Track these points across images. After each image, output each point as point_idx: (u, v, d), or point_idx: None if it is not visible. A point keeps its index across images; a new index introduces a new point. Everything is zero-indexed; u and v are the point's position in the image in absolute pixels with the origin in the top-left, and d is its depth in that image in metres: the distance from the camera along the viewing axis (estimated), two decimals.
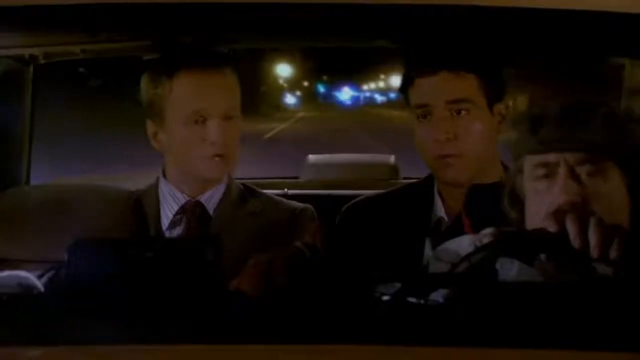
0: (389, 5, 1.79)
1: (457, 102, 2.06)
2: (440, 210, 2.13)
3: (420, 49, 2.15)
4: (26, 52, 2.46)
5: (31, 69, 2.56)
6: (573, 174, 1.57)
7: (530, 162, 1.63)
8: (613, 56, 2.51)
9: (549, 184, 1.59)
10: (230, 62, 2.17)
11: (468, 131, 2.06)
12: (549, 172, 1.59)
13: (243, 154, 2.18)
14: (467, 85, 2.06)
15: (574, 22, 1.83)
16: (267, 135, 21.53)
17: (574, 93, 1.70)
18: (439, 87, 2.07)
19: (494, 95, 2.09)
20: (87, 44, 2.38)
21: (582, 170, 1.57)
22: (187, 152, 2.13)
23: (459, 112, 2.06)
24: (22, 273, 1.57)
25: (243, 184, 2.28)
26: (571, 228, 1.46)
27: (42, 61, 2.53)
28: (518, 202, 1.65)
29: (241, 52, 2.51)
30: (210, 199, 2.20)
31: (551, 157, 1.59)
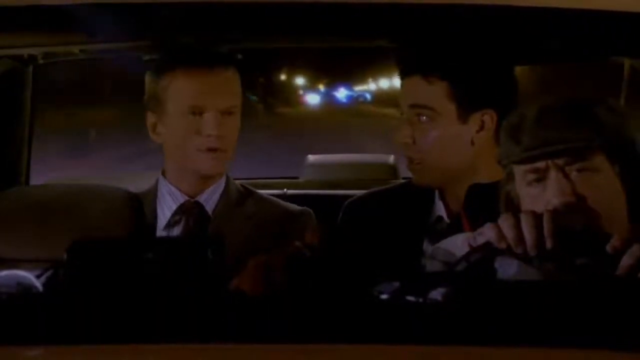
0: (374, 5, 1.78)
1: (417, 107, 2.05)
2: (440, 209, 2.13)
3: (399, 52, 2.18)
4: (25, 52, 2.46)
5: (30, 69, 2.56)
6: (564, 174, 1.57)
7: (519, 169, 1.63)
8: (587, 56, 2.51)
9: (543, 187, 1.59)
10: (232, 61, 2.19)
11: (427, 137, 2.05)
12: (541, 176, 1.59)
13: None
14: (430, 91, 2.04)
15: (562, 23, 1.83)
16: None
17: (550, 94, 1.68)
18: (405, 90, 2.09)
19: (468, 103, 2.04)
20: (86, 44, 2.38)
21: (572, 169, 1.57)
22: (184, 144, 2.13)
23: (419, 117, 2.06)
24: (22, 273, 1.57)
25: (242, 185, 2.28)
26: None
27: (42, 61, 2.53)
28: (514, 208, 1.65)
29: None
30: (209, 199, 2.20)
31: (539, 163, 1.59)
